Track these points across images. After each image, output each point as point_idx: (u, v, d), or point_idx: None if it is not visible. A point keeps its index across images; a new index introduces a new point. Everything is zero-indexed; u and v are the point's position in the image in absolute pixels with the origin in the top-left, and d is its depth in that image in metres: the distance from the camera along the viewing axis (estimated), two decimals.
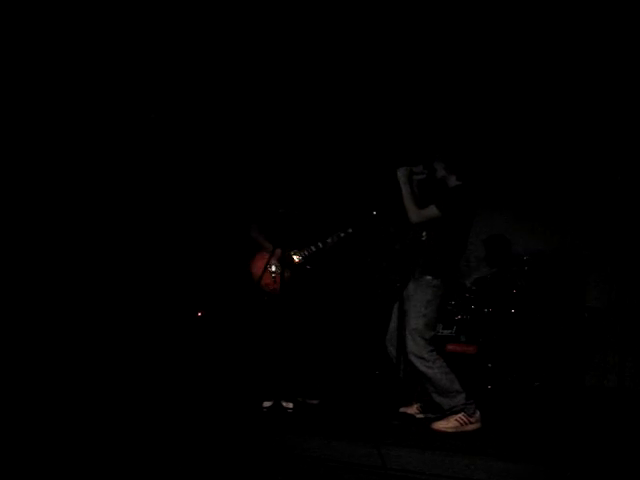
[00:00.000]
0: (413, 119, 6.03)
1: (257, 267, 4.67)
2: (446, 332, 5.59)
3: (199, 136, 6.27)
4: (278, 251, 4.50)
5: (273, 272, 4.62)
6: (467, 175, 4.14)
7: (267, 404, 4.25)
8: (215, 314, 6.04)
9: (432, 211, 4.01)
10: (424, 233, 4.15)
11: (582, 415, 4.77)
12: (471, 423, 3.84)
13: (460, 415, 3.84)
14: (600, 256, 6.18)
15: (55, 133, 5.54)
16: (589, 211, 6.24)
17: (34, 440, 3.40)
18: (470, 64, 5.54)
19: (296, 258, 4.68)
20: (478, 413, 3.89)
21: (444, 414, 3.92)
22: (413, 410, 4.27)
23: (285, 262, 4.45)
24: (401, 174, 4.14)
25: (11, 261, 5.19)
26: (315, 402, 4.55)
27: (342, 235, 4.66)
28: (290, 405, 4.27)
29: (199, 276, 6.14)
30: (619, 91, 5.51)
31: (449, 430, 3.81)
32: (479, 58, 5.47)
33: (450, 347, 5.42)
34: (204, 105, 6.10)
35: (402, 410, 4.28)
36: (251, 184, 5.71)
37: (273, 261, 4.56)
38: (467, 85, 5.74)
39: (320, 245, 4.69)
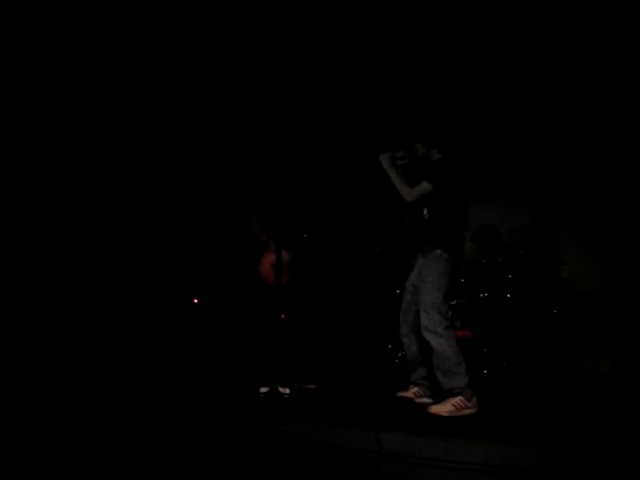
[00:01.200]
0: (385, 106, 6.05)
1: (265, 269, 4.68)
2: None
3: (200, 131, 6.26)
4: (284, 254, 4.54)
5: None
6: (446, 147, 4.19)
7: (264, 389, 4.26)
8: (211, 301, 6.04)
9: (424, 186, 4.06)
10: (425, 211, 4.19)
11: (577, 399, 4.80)
12: (467, 408, 3.86)
13: (457, 399, 3.86)
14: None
15: (55, 133, 5.53)
16: (581, 191, 6.26)
17: (34, 440, 3.40)
18: (448, 46, 5.56)
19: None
20: (475, 398, 3.91)
21: (441, 397, 3.94)
22: (410, 394, 4.28)
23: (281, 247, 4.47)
24: (384, 160, 4.20)
25: (8, 254, 5.19)
26: (312, 386, 4.57)
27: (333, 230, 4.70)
28: (287, 390, 4.28)
29: (196, 263, 6.14)
30: (607, 76, 5.53)
31: (445, 414, 3.83)
32: (457, 41, 5.49)
33: None
34: (204, 102, 6.10)
35: (399, 394, 4.31)
36: (250, 177, 5.71)
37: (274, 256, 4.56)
38: (444, 69, 5.76)
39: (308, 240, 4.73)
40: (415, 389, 4.28)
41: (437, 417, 3.80)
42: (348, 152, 6.26)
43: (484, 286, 5.68)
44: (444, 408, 3.86)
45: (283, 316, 4.65)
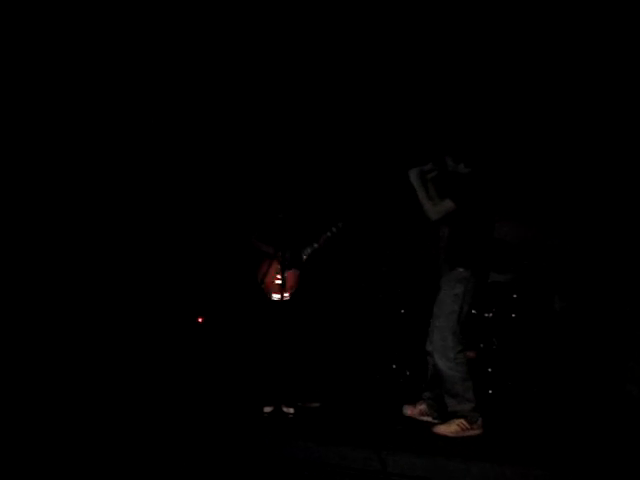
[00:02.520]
0: (414, 119, 6.02)
1: (263, 274, 4.69)
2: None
3: (197, 141, 6.28)
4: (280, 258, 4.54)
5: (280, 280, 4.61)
6: (474, 161, 4.11)
7: (268, 409, 4.26)
8: (216, 320, 6.04)
9: (448, 204, 3.98)
10: (446, 230, 4.12)
11: (582, 420, 4.77)
12: (472, 429, 3.84)
13: (462, 420, 3.84)
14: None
15: (55, 134, 5.55)
16: (592, 208, 6.22)
17: (34, 440, 3.40)
18: (466, 63, 5.56)
19: (304, 257, 4.69)
20: (480, 420, 3.88)
21: (446, 418, 3.93)
22: (416, 411, 4.26)
23: (286, 265, 4.48)
24: (413, 176, 4.13)
25: (15, 268, 5.20)
26: (316, 405, 4.56)
27: (334, 230, 4.66)
28: (291, 410, 4.27)
29: (200, 282, 6.15)
30: (610, 85, 5.53)
31: (450, 434, 3.81)
32: (475, 57, 5.50)
33: None
34: (200, 110, 6.11)
35: (405, 409, 4.29)
36: (249, 190, 5.72)
37: (278, 269, 4.56)
38: (464, 83, 5.75)
39: (315, 245, 4.71)
40: (422, 406, 4.25)
41: (442, 437, 3.79)
42: (365, 167, 6.23)
43: (488, 306, 5.67)
44: (449, 429, 3.84)
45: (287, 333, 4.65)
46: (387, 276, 6.17)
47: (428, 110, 5.88)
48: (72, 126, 5.62)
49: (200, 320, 6.16)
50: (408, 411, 4.28)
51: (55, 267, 5.46)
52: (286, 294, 4.54)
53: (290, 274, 4.63)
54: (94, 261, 5.70)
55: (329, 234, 4.67)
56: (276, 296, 4.69)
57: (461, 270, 3.95)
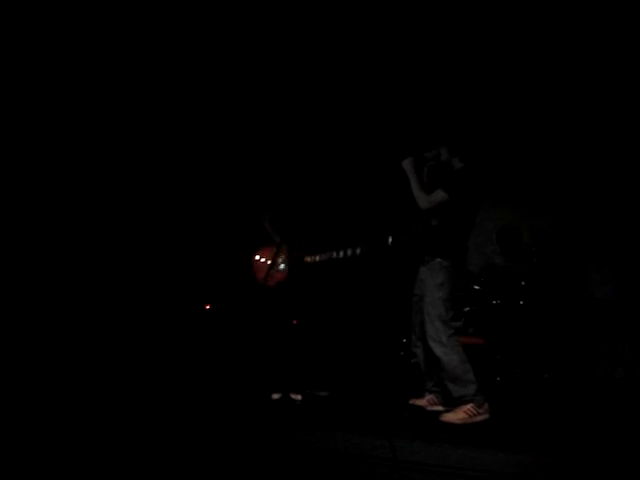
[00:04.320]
0: (413, 108, 6.02)
1: (261, 264, 4.68)
2: (454, 324, 5.59)
3: (209, 130, 6.27)
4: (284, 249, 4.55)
5: (278, 269, 4.61)
6: (469, 156, 4.17)
7: (276, 396, 4.27)
8: (223, 307, 6.05)
9: (440, 195, 4.05)
10: (434, 221, 4.18)
11: (590, 406, 4.77)
12: (479, 414, 3.84)
13: (468, 406, 3.84)
14: (603, 243, 6.18)
15: (55, 133, 5.55)
16: (592, 196, 6.23)
17: (34, 439, 3.42)
18: (467, 55, 5.54)
19: (308, 259, 4.69)
20: (487, 405, 3.89)
21: (453, 405, 3.93)
22: (423, 402, 4.27)
23: (293, 259, 4.49)
24: (406, 165, 4.21)
25: (11, 256, 5.21)
26: (324, 394, 4.57)
27: (356, 252, 4.70)
28: (299, 397, 4.29)
29: (207, 269, 6.15)
30: (618, 78, 5.50)
31: (458, 422, 3.81)
32: (476, 49, 5.48)
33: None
34: (210, 101, 6.10)
35: (412, 402, 4.31)
36: (263, 177, 5.72)
37: (279, 258, 4.56)
38: (467, 74, 5.74)
39: (334, 255, 4.72)
40: (429, 397, 4.27)
41: (450, 425, 3.79)
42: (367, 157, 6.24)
43: (497, 293, 5.66)
44: (456, 416, 3.85)
45: (295, 322, 4.65)
46: (393, 262, 6.16)
47: (425, 101, 5.89)
48: (67, 121, 5.62)
49: (208, 307, 6.18)
50: (416, 403, 4.29)
51: (55, 258, 5.47)
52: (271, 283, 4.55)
53: (280, 274, 4.62)
54: (97, 251, 5.71)
55: (349, 253, 4.72)
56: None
57: (439, 260, 4.03)
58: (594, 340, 5.89)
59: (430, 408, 4.21)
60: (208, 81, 5.95)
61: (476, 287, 5.73)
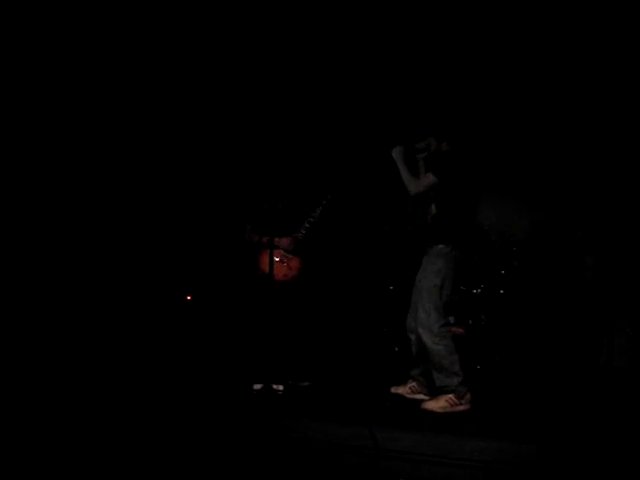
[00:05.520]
0: (405, 99, 6.01)
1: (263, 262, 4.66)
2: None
3: (191, 134, 6.24)
4: (284, 242, 4.55)
5: (279, 260, 4.59)
6: (456, 139, 4.15)
7: (257, 386, 4.25)
8: (204, 298, 6.02)
9: (428, 178, 4.03)
10: (433, 207, 4.16)
11: (572, 394, 4.81)
12: (461, 405, 3.86)
13: (450, 396, 3.86)
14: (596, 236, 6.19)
15: (55, 133, 5.50)
16: (584, 190, 6.24)
17: (33, 437, 3.39)
18: (458, 47, 5.54)
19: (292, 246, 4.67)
20: (469, 395, 3.90)
21: (435, 394, 3.94)
22: (405, 390, 4.28)
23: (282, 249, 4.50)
24: (396, 153, 4.18)
25: (7, 253, 5.17)
26: (306, 384, 4.56)
27: (324, 203, 4.63)
28: (280, 387, 4.27)
29: (189, 261, 6.12)
30: (614, 73, 5.52)
31: (439, 410, 3.83)
32: (467, 41, 5.47)
33: None
34: (204, 105, 6.08)
35: (394, 389, 4.31)
36: (241, 181, 5.70)
37: (277, 252, 4.55)
38: (457, 67, 5.73)
39: (308, 223, 4.66)
40: (412, 384, 4.27)
41: (431, 413, 3.81)
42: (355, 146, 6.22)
43: (477, 282, 5.68)
44: (437, 404, 3.87)
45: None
46: (376, 253, 6.16)
47: (420, 94, 5.88)
48: (70, 120, 5.58)
49: (189, 298, 6.14)
50: (398, 390, 4.30)
51: (48, 254, 5.43)
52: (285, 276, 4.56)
53: (295, 260, 4.61)
54: (87, 248, 5.68)
55: (320, 209, 4.64)
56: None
57: (441, 246, 4.00)
58: (576, 328, 5.93)
59: (411, 396, 4.22)
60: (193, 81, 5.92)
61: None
